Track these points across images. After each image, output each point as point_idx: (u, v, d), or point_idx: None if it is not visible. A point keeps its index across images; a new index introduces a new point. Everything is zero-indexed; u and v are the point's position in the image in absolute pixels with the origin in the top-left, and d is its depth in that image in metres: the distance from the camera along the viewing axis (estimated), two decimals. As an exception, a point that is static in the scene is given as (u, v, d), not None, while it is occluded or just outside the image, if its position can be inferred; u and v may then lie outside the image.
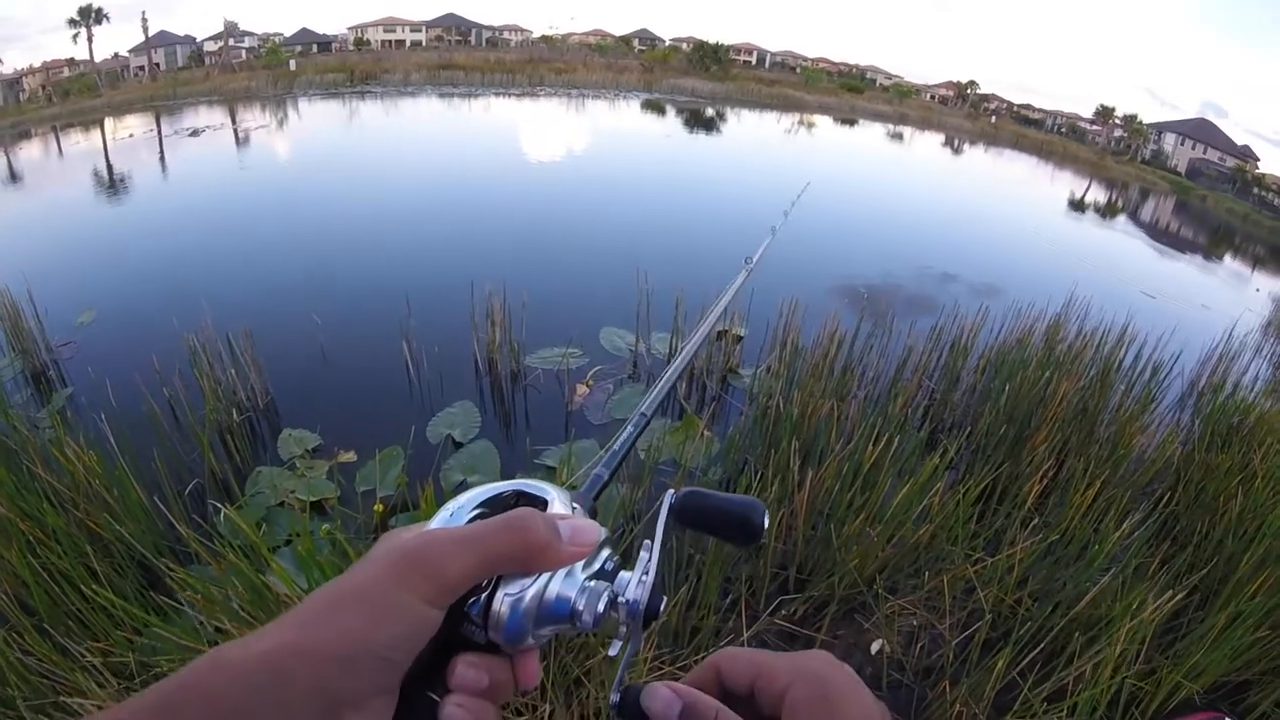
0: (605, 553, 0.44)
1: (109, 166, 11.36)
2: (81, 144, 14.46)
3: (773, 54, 70.91)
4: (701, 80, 37.85)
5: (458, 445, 3.63)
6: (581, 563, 0.42)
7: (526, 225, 8.34)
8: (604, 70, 36.28)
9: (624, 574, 0.43)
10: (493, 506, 0.44)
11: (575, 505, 0.46)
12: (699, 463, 3.44)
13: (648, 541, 0.44)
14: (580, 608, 0.40)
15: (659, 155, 15.78)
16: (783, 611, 2.58)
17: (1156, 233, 19.43)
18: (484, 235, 7.84)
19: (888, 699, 2.40)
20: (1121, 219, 20.65)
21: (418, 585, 0.36)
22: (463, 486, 3.26)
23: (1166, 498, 3.39)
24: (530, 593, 0.39)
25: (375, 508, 2.92)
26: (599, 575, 0.43)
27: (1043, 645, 2.27)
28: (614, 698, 0.42)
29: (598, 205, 10.05)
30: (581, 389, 4.21)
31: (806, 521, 2.76)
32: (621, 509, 2.78)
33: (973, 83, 65.75)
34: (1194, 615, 2.60)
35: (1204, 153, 50.80)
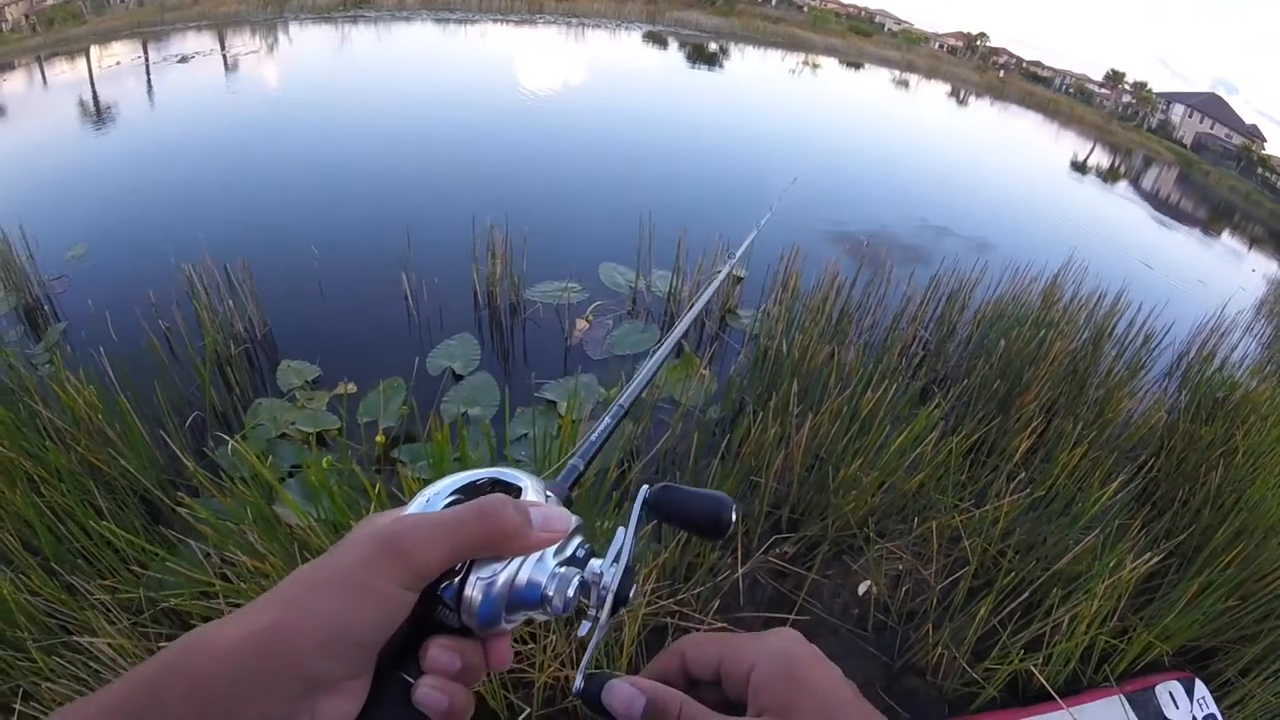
0: (577, 540, 0.45)
1: (96, 96, 10.88)
2: (67, 74, 13.82)
3: (780, -10, 69.02)
4: (706, 14, 36.72)
5: (458, 377, 3.63)
6: (553, 549, 0.43)
7: (523, 158, 8.19)
8: (606, -1, 35.13)
9: (595, 561, 0.45)
10: (468, 493, 0.45)
11: (549, 494, 0.47)
12: (698, 401, 3.47)
13: (621, 529, 0.46)
14: (550, 593, 0.41)
15: (662, 90, 15.40)
16: (776, 550, 2.65)
17: (1158, 203, 19.32)
18: (479, 167, 7.67)
19: (872, 639, 2.50)
20: (1123, 185, 20.52)
21: (392, 569, 0.37)
22: (465, 419, 3.30)
23: (1149, 464, 3.47)
24: (502, 577, 0.41)
25: (378, 439, 2.95)
26: (570, 562, 0.44)
27: (1023, 597, 2.35)
28: (578, 683, 0.43)
29: (596, 139, 9.85)
30: (581, 324, 4.20)
31: (802, 464, 2.81)
32: (623, 447, 2.82)
33: (983, 34, 64.63)
34: (1169, 579, 2.69)
35: (1211, 127, 50.43)
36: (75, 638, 1.79)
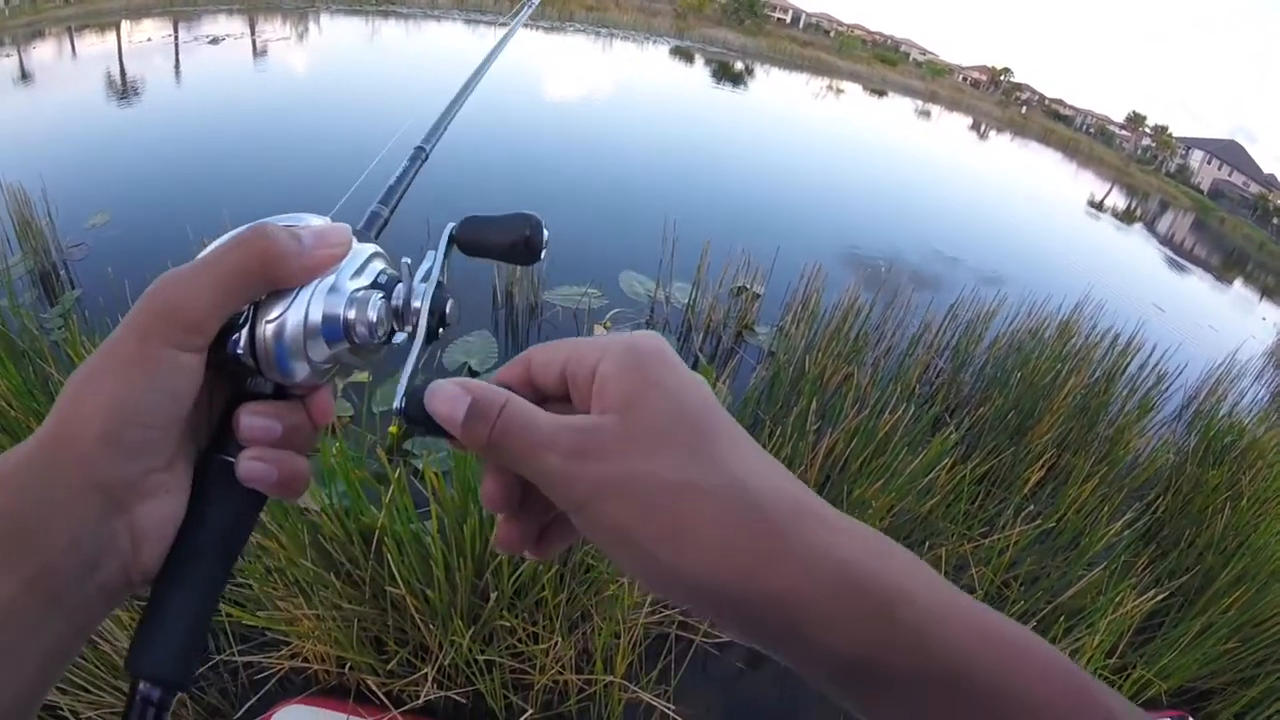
0: (378, 265, 0.41)
1: (125, 70, 10.92)
2: (97, 46, 13.85)
3: (808, 14, 69.79)
4: (734, 33, 37.13)
5: (474, 374, 3.65)
6: (348, 275, 0.38)
7: (548, 161, 8.27)
8: (636, 11, 35.38)
9: (403, 285, 0.40)
10: None
11: None
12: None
13: (430, 252, 0.42)
14: (352, 318, 0.37)
15: (691, 105, 15.51)
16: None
17: (1173, 247, 19.39)
18: (502, 165, 7.70)
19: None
20: (1139, 228, 20.59)
21: (162, 331, 0.33)
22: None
23: (1156, 503, 3.48)
24: (291, 316, 0.36)
25: (391, 429, 2.95)
26: (373, 288, 0.39)
27: (1028, 628, 2.36)
28: (398, 403, 0.36)
29: (624, 148, 9.92)
30: (600, 330, 4.23)
31: (814, 482, 2.83)
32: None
33: (1007, 69, 65.04)
34: (1170, 619, 2.70)
35: (1229, 174, 50.52)
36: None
